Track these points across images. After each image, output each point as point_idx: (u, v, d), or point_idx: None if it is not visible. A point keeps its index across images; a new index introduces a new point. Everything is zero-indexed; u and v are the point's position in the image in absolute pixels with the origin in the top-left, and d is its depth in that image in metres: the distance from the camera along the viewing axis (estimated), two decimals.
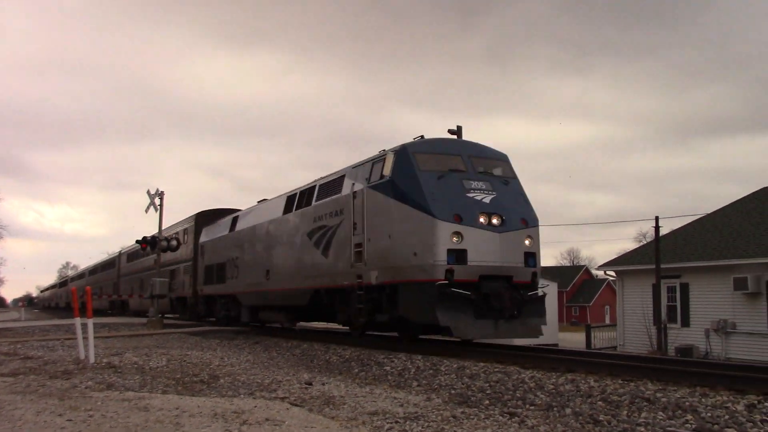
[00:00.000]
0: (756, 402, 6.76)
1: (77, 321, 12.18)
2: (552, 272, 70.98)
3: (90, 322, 11.60)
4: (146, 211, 26.97)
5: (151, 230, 32.74)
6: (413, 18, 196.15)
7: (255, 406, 6.78)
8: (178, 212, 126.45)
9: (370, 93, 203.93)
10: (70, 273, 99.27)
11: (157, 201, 26.96)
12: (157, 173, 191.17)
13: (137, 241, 27.60)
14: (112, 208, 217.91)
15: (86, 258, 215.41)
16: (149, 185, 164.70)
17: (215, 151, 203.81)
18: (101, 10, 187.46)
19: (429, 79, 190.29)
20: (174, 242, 27.37)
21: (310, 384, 8.76)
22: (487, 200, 12.57)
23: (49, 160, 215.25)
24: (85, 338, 11.55)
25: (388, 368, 10.82)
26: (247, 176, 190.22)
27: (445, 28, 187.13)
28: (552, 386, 8.32)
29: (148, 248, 27.79)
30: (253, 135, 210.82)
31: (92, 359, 11.18)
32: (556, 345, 17.17)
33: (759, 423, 5.97)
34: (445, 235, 11.91)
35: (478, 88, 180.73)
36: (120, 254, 47.44)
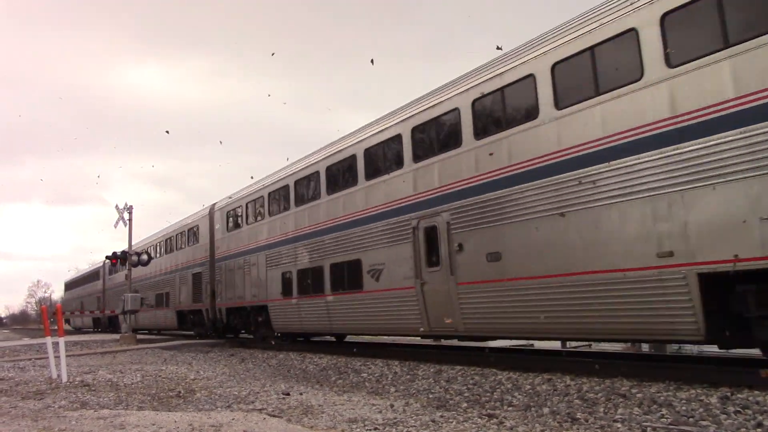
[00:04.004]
0: (729, 394, 6.88)
1: (48, 340, 11.97)
2: None
3: (61, 340, 11.41)
4: (115, 226, 26.76)
5: (116, 246, 33.65)
6: (351, 16, 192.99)
7: (233, 419, 6.72)
8: (134, 225, 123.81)
9: (312, 94, 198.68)
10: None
11: (126, 216, 26.73)
12: (103, 186, 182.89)
13: (107, 257, 27.37)
14: (65, 223, 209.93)
15: (56, 276, 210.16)
16: (99, 198, 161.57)
17: (159, 161, 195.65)
18: (24, 17, 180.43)
19: (371, 79, 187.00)
20: (144, 256, 27.09)
21: (288, 394, 8.71)
22: None
23: None
24: (57, 357, 11.36)
25: (365, 375, 10.81)
26: (197, 185, 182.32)
27: (383, 23, 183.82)
28: (529, 386, 8.39)
29: (119, 264, 28.54)
30: (196, 142, 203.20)
31: (65, 378, 10.99)
32: (532, 345, 17.25)
33: (733, 414, 6.07)
34: None
35: (419, 85, 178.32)
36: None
